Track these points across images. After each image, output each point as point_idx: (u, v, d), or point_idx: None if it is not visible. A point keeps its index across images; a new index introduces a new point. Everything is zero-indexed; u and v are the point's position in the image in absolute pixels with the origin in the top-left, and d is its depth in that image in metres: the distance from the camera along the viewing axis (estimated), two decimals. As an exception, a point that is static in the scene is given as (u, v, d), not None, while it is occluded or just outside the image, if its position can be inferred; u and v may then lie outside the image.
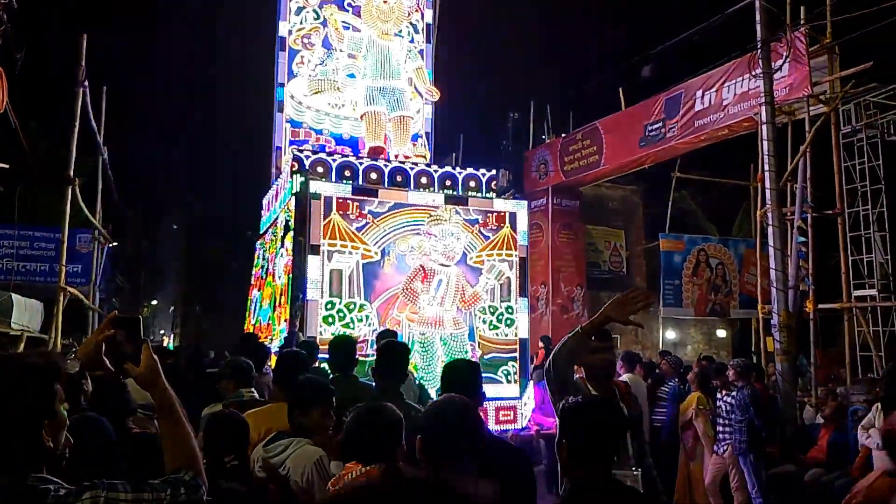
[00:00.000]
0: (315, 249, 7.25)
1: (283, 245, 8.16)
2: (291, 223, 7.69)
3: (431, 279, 7.60)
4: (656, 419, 7.30)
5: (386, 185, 7.96)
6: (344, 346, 4.32)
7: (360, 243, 7.51)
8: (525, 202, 8.85)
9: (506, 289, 8.07)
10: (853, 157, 11.45)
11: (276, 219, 8.84)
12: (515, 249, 8.22)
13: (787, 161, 9.65)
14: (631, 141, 11.99)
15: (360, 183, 7.85)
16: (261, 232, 10.45)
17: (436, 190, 8.20)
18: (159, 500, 1.49)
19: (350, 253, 7.44)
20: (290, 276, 7.50)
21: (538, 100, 15.90)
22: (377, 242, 7.61)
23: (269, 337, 8.21)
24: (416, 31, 10.90)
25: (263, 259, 9.78)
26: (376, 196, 7.73)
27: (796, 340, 8.53)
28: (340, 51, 9.90)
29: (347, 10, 10.36)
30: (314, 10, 10.60)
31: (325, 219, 7.34)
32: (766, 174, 8.82)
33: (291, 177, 7.91)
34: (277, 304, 8.13)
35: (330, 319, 7.24)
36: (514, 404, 7.79)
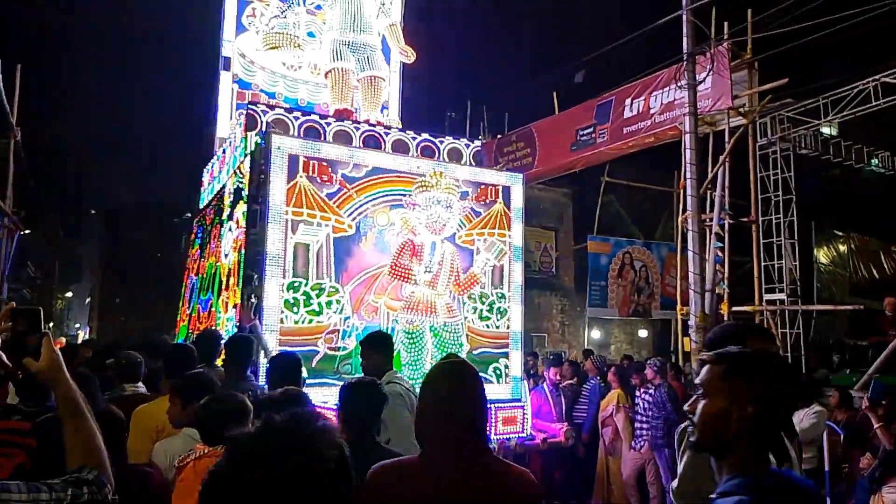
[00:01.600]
0: (276, 218, 6.11)
1: (231, 217, 6.98)
2: (245, 189, 6.53)
3: (421, 256, 6.35)
4: (578, 416, 7.55)
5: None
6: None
7: (332, 213, 6.31)
8: (521, 175, 7.78)
9: (497, 274, 7.01)
10: (768, 168, 12.13)
11: (222, 189, 7.71)
12: (509, 229, 7.17)
13: (707, 169, 10.12)
14: (563, 144, 12.28)
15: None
16: (200, 208, 9.24)
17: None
18: (59, 500, 1.41)
19: (319, 224, 6.25)
20: (243, 252, 6.33)
21: (475, 100, 16.06)
22: (352, 213, 6.41)
23: (213, 327, 7.11)
24: None
25: (203, 238, 8.56)
26: (351, 158, 6.57)
27: (712, 341, 8.96)
28: (303, 4, 8.67)
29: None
30: (270, -44, 9.27)
31: (289, 182, 6.18)
32: (688, 181, 9.23)
33: (244, 135, 6.78)
34: (223, 287, 6.99)
35: (293, 305, 6.04)
36: (513, 407, 6.66)
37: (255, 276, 6.00)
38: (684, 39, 8.94)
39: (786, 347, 11.40)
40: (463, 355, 6.35)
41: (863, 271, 16.12)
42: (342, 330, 6.18)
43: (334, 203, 6.34)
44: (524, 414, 6.59)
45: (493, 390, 6.46)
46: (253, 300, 5.81)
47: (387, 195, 6.61)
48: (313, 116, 6.98)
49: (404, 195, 6.63)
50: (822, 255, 15.40)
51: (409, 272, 6.31)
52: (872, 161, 13.62)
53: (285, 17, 8.54)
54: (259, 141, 6.37)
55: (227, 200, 7.24)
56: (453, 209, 6.53)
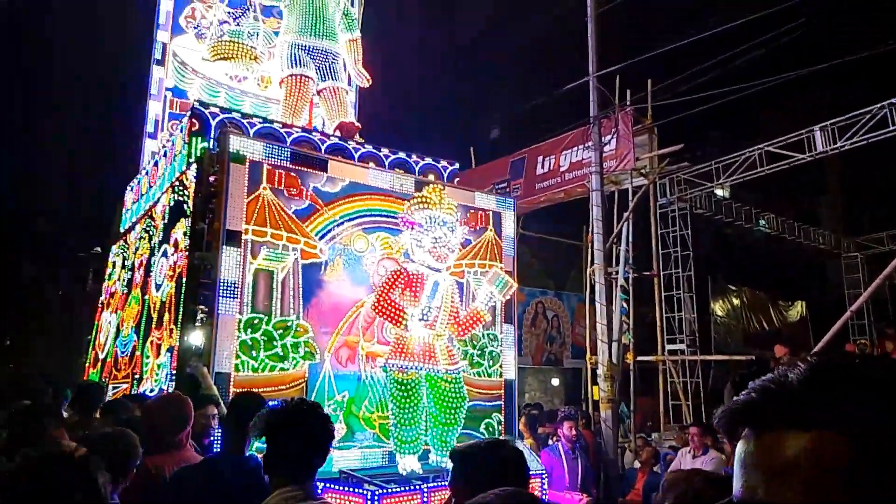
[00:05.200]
0: (234, 238, 4.87)
1: (167, 239, 5.75)
2: (188, 204, 5.35)
3: (418, 288, 5.02)
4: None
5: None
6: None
7: (301, 234, 5.18)
8: (512, 201, 6.84)
9: (490, 312, 5.89)
10: (667, 226, 12.94)
11: (153, 207, 6.53)
12: (501, 261, 6.24)
13: (613, 225, 10.70)
14: (479, 197, 12.69)
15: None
16: (121, 231, 7.88)
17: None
18: None
19: (286, 248, 5.11)
20: (183, 281, 5.14)
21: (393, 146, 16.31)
22: (324, 235, 5.34)
23: (136, 375, 5.80)
24: (352, 4, 8.58)
25: (124, 267, 7.28)
26: (325, 170, 5.46)
27: (619, 389, 9.33)
28: (253, 9, 7.44)
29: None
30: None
31: (250, 194, 5.01)
32: (595, 236, 9.72)
33: (188, 140, 5.67)
34: (154, 325, 5.69)
35: (252, 348, 4.83)
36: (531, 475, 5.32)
37: (202, 312, 4.90)
38: (591, 105, 9.55)
39: (687, 396, 11.97)
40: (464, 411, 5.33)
41: (754, 323, 17.24)
42: (312, 378, 5.10)
43: (304, 223, 5.25)
44: (542, 484, 5.35)
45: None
46: (198, 343, 4.82)
47: (366, 215, 5.60)
48: (273, 125, 5.93)
49: (389, 216, 5.61)
50: (718, 308, 16.40)
51: (399, 313, 4.93)
52: (760, 222, 14.81)
53: (238, 24, 7.34)
54: (209, 146, 5.45)
55: (161, 220, 6.07)
56: (457, 234, 5.25)
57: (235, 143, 5.08)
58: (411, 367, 4.95)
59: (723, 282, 16.83)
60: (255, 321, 4.90)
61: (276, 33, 7.43)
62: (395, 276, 5.02)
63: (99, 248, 9.66)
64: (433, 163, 6.59)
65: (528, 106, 10.87)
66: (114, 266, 7.83)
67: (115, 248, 7.96)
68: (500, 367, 6.03)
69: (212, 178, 5.17)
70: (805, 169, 12.46)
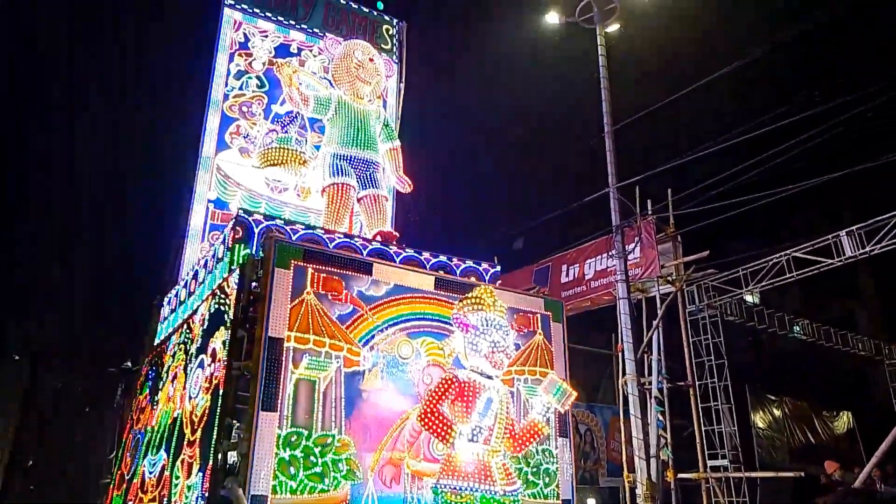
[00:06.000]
0: (275, 345, 4.70)
1: (204, 349, 5.51)
2: (229, 312, 5.17)
3: (470, 399, 4.54)
4: None
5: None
6: None
7: (344, 341, 5.00)
8: (561, 303, 6.51)
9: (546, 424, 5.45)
10: (699, 333, 12.59)
11: (190, 318, 6.37)
12: (552, 367, 5.86)
13: (643, 333, 10.44)
14: (504, 307, 12.61)
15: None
16: (155, 344, 7.79)
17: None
18: None
19: (328, 355, 4.91)
20: (220, 392, 4.80)
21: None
22: (368, 341, 5.16)
23: (164, 498, 5.36)
24: (391, 116, 9.37)
25: (157, 380, 7.05)
26: (370, 272, 5.41)
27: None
28: (295, 122, 7.65)
29: (310, 70, 8.94)
30: (258, 78, 9.30)
31: (293, 299, 4.92)
32: (625, 345, 9.48)
33: (231, 246, 5.69)
34: (185, 442, 5.29)
35: (290, 466, 4.49)
36: None
37: (237, 427, 4.62)
38: (612, 215, 9.64)
39: (734, 517, 11.13)
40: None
41: (799, 436, 16.32)
42: (353, 501, 4.68)
43: (348, 328, 5.07)
44: None
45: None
46: (233, 461, 4.50)
47: (411, 319, 5.45)
48: (315, 231, 5.98)
49: (434, 320, 5.47)
50: (759, 420, 15.61)
51: (447, 428, 4.42)
52: (794, 328, 14.37)
53: (286, 130, 7.50)
54: (252, 252, 5.44)
55: (199, 329, 5.89)
56: (511, 338, 4.90)
57: (281, 248, 5.11)
58: (465, 489, 4.43)
59: (762, 391, 16.14)
60: (295, 436, 4.59)
61: (317, 147, 7.72)
62: (446, 385, 4.56)
63: (130, 363, 9.65)
64: (474, 265, 6.58)
65: (550, 216, 11.03)
66: (146, 380, 7.64)
67: (147, 362, 7.82)
68: (557, 486, 5.60)
69: (254, 285, 5.12)
70: (837, 273, 12.22)
